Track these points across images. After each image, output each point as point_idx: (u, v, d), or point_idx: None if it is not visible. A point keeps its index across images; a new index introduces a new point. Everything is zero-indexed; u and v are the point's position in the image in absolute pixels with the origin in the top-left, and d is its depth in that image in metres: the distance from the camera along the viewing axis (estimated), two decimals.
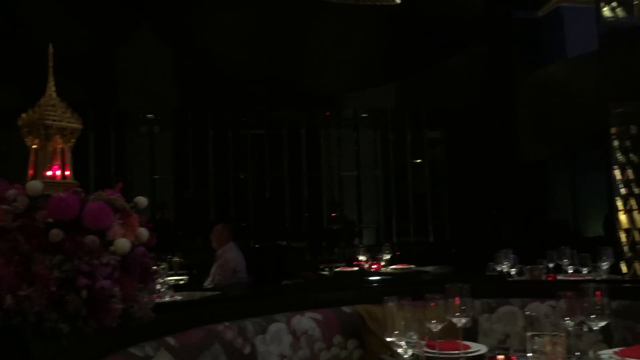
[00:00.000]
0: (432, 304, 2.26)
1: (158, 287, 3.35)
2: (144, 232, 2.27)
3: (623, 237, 7.77)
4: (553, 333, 1.84)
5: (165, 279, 3.77)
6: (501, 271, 4.05)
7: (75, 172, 2.48)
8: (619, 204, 7.84)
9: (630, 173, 7.82)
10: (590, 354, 2.05)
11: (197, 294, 3.96)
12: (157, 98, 9.92)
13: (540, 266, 4.03)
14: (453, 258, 8.83)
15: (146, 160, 10.71)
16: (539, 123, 9.72)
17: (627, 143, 7.94)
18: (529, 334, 1.86)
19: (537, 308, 2.90)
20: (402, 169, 11.41)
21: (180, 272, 6.14)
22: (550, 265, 4.08)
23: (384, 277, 5.40)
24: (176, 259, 6.39)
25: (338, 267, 6.23)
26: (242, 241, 7.42)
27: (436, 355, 2.24)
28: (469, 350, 2.37)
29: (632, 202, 7.74)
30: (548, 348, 1.79)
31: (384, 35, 8.76)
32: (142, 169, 10.68)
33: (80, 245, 2.03)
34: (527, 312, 2.04)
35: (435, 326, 2.24)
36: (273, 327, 2.72)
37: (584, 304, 2.14)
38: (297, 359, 2.76)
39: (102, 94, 9.65)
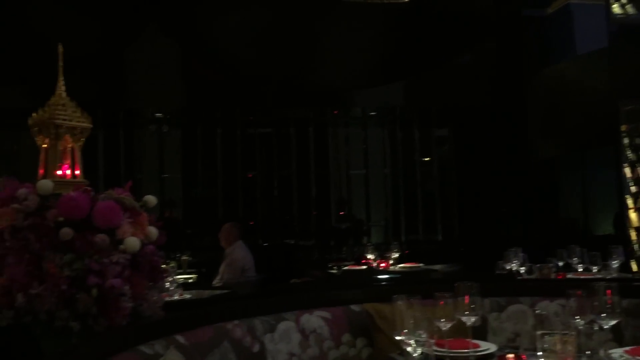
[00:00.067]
0: (442, 302, 2.26)
1: (167, 285, 3.36)
2: (153, 231, 2.28)
3: (633, 235, 7.73)
4: (563, 332, 1.84)
5: (174, 277, 3.78)
6: (510, 270, 4.03)
7: (84, 171, 2.50)
8: (629, 202, 7.79)
9: None
10: (601, 352, 2.04)
11: (206, 293, 3.97)
12: (166, 97, 9.95)
13: (550, 265, 4.01)
14: (462, 256, 8.80)
15: (155, 159, 10.75)
16: (548, 121, 9.66)
17: (637, 141, 7.89)
18: (539, 332, 1.85)
19: (547, 307, 2.89)
20: (410, 167, 11.39)
21: (189, 270, 6.16)
22: (560, 263, 4.06)
23: (392, 275, 5.39)
24: (185, 257, 6.42)
25: (346, 265, 6.22)
26: (250, 240, 7.43)
27: (445, 354, 2.24)
28: (479, 349, 2.37)
29: None
30: (558, 347, 1.78)
31: (392, 33, 8.74)
32: (150, 168, 10.72)
33: (90, 244, 2.04)
34: (537, 311, 2.03)
35: (445, 325, 2.23)
36: (282, 326, 2.73)
37: (594, 302, 2.13)
38: (306, 357, 2.76)
39: (111, 93, 9.69)
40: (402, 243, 9.37)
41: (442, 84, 10.22)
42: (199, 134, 10.87)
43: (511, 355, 2.14)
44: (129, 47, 9.19)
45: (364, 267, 5.86)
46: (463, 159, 10.99)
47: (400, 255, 5.92)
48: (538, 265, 4.01)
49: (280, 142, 11.05)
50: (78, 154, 2.45)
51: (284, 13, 8.19)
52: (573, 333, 1.85)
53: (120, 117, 10.43)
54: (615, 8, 8.11)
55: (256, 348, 2.57)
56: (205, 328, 2.41)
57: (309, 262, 9.15)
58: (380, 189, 11.38)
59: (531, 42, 10.43)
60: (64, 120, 2.38)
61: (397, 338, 2.14)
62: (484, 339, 2.74)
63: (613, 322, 2.12)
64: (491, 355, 2.35)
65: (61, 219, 2.06)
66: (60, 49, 2.49)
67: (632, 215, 7.77)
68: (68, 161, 2.42)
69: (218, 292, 4.17)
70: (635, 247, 7.65)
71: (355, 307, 2.97)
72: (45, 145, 2.41)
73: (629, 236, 7.69)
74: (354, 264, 6.23)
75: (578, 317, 2.10)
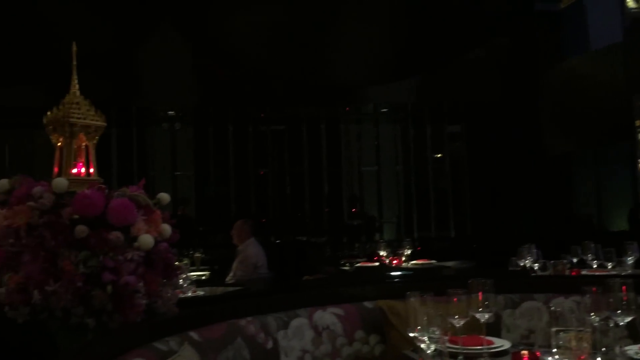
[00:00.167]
0: (455, 299, 2.25)
1: (180, 282, 3.37)
2: (167, 228, 2.29)
3: None
4: (578, 328, 1.82)
5: (187, 274, 3.80)
6: (524, 266, 4.01)
7: (98, 169, 2.51)
8: None
9: None
10: (616, 349, 2.02)
11: (219, 289, 3.98)
12: (178, 95, 10.00)
13: (564, 261, 3.98)
14: (474, 253, 8.77)
15: (168, 156, 10.81)
16: (561, 116, 9.59)
17: None
18: (554, 329, 1.84)
19: (562, 303, 2.87)
20: (422, 164, 11.35)
21: (201, 267, 6.18)
22: (574, 260, 4.03)
23: (405, 272, 5.37)
24: (198, 254, 6.42)
25: (359, 262, 6.21)
26: (262, 237, 7.45)
27: (459, 351, 2.23)
28: (492, 346, 2.35)
29: None
30: (573, 343, 1.77)
31: (404, 29, 8.71)
32: (163, 166, 10.78)
33: (105, 241, 2.06)
34: (552, 308, 2.01)
35: (458, 321, 2.23)
36: (295, 322, 2.73)
37: (609, 299, 2.12)
38: (319, 354, 2.77)
39: (124, 92, 9.74)
40: (414, 240, 9.36)
41: (454, 80, 10.17)
42: (211, 132, 10.91)
43: (525, 352, 2.13)
44: (141, 45, 9.23)
45: (377, 263, 5.85)
46: (475, 156, 10.94)
47: (412, 252, 5.91)
48: (552, 261, 3.98)
49: (292, 139, 11.06)
50: (92, 152, 2.46)
51: (295, 10, 8.18)
52: (588, 330, 1.84)
53: (133, 115, 10.49)
54: (630, 2, 8.03)
55: (269, 344, 2.58)
56: (218, 325, 2.42)
57: (321, 259, 9.15)
58: (392, 186, 11.36)
59: (544, 38, 10.35)
60: (78, 118, 2.40)
61: (411, 335, 2.13)
62: (498, 335, 2.72)
63: (628, 319, 2.10)
64: (505, 352, 2.34)
65: (76, 216, 2.08)
66: (74, 47, 2.50)
67: None
68: (82, 159, 2.44)
69: (231, 289, 4.18)
70: None
71: (368, 304, 2.97)
72: (60, 144, 2.43)
73: None
74: (366, 261, 6.22)
75: (593, 313, 2.09)
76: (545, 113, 9.88)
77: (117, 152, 10.37)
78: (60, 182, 2.15)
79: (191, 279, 3.91)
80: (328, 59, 9.08)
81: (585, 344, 1.78)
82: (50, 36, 7.46)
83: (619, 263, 3.90)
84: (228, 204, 10.74)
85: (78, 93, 2.46)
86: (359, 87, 10.83)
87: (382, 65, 9.48)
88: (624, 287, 2.12)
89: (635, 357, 2.11)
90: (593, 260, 4.01)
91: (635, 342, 2.39)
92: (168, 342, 2.08)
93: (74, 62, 2.49)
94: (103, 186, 2.26)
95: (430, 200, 11.26)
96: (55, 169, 2.42)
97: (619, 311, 2.09)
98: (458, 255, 6.82)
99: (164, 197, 2.38)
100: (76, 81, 2.48)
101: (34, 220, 2.07)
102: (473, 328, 2.32)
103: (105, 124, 2.51)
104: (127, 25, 8.52)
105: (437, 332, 2.06)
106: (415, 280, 4.36)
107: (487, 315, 2.27)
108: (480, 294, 2.27)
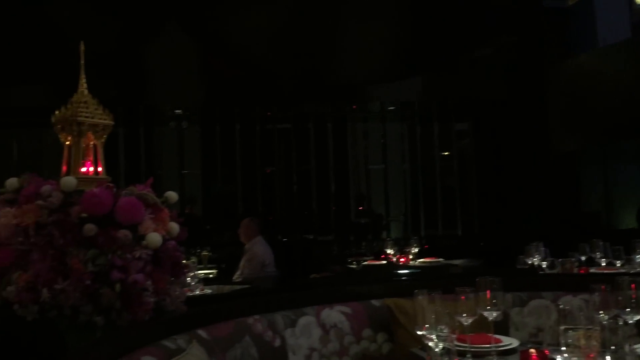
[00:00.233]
0: (463, 297, 2.24)
1: (188, 280, 3.38)
2: (175, 227, 2.30)
3: None
4: (587, 327, 1.81)
5: (195, 272, 3.82)
6: (532, 264, 4.00)
7: (106, 168, 2.52)
8: None
9: None
10: (626, 348, 2.01)
11: (227, 288, 4.00)
12: (185, 94, 10.02)
13: (573, 259, 3.97)
14: (482, 251, 8.74)
15: (175, 155, 10.83)
16: (570, 114, 9.55)
17: None
18: (562, 327, 1.83)
19: (570, 301, 2.86)
20: (429, 162, 11.33)
21: (209, 265, 6.19)
22: (583, 258, 4.02)
23: (412, 270, 5.37)
24: (205, 252, 6.43)
25: (366, 260, 6.21)
26: (269, 235, 7.45)
27: (467, 349, 2.22)
28: (501, 344, 2.35)
29: None
30: (582, 342, 1.76)
31: (410, 26, 8.69)
32: (170, 164, 10.81)
33: (113, 240, 2.07)
34: (561, 306, 2.00)
35: (466, 320, 2.22)
36: (302, 321, 2.73)
37: (618, 297, 2.11)
38: (327, 352, 2.77)
39: (131, 91, 9.77)
40: (422, 238, 9.33)
41: (461, 78, 10.14)
42: (218, 130, 10.93)
43: (534, 351, 2.12)
44: (148, 45, 9.25)
45: (384, 262, 5.85)
46: (483, 153, 10.91)
47: (419, 250, 5.90)
48: (560, 259, 3.97)
49: (298, 138, 11.06)
50: (100, 151, 2.47)
51: (301, 9, 8.18)
52: (597, 328, 1.83)
53: (141, 114, 10.52)
54: None
55: (277, 343, 2.59)
56: (226, 323, 2.42)
57: (328, 257, 9.14)
58: (399, 184, 11.35)
59: (552, 34, 10.30)
60: (86, 117, 2.41)
61: (419, 333, 2.13)
62: (506, 334, 2.71)
63: (638, 317, 2.09)
64: (513, 350, 2.33)
65: (84, 215, 2.09)
66: (82, 47, 2.51)
67: None
68: (90, 158, 2.45)
69: (238, 287, 4.19)
70: None
71: (375, 302, 2.96)
72: (68, 143, 2.43)
73: None
74: (373, 259, 6.22)
75: (602, 312, 2.08)
76: (553, 110, 9.83)
77: (124, 151, 10.40)
78: (68, 181, 2.15)
79: (199, 277, 3.93)
80: (335, 57, 9.07)
81: (594, 342, 1.77)
82: (58, 36, 7.49)
83: (628, 261, 3.88)
84: (235, 203, 10.76)
85: (86, 92, 2.47)
86: (366, 85, 10.82)
87: (388, 63, 9.47)
88: (632, 285, 2.11)
89: None
90: (601, 258, 3.99)
91: None
92: (176, 340, 2.08)
93: (82, 62, 2.50)
94: (111, 185, 2.27)
95: (438, 198, 11.23)
96: (64, 168, 2.43)
97: (628, 309, 2.08)
98: (465, 254, 6.80)
99: (172, 195, 2.38)
100: (84, 80, 2.49)
101: (43, 219, 2.08)
102: (481, 326, 2.32)
103: (113, 122, 2.52)
104: (134, 25, 8.55)
105: (445, 331, 2.05)
106: (422, 279, 4.37)
107: (495, 314, 2.26)
108: (488, 292, 2.26)
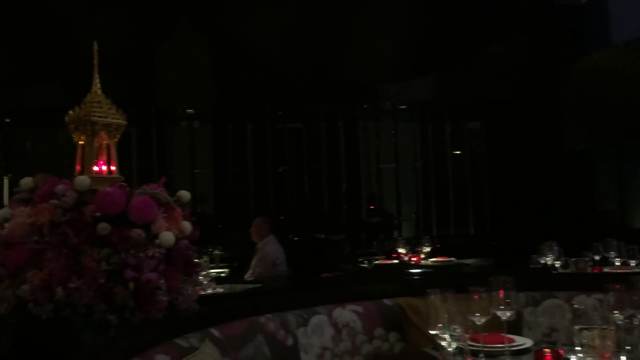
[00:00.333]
0: (476, 296, 2.23)
1: (201, 279, 3.39)
2: (187, 226, 2.31)
3: None
4: (602, 326, 1.80)
5: (207, 271, 3.83)
6: (545, 264, 3.97)
7: (119, 167, 2.54)
8: None
9: None
10: None
11: (239, 287, 4.01)
12: (197, 93, 10.04)
13: (586, 259, 3.94)
14: (494, 250, 8.70)
15: (186, 154, 10.87)
16: (583, 112, 9.47)
17: None
18: (577, 327, 1.82)
19: (584, 301, 2.85)
20: (441, 161, 11.28)
21: (221, 264, 6.21)
22: (597, 257, 3.99)
23: (424, 270, 5.36)
24: (217, 252, 6.46)
25: (377, 259, 6.20)
26: (281, 234, 7.46)
27: (480, 349, 2.22)
28: (514, 344, 2.34)
29: None
30: (597, 342, 1.75)
31: (422, 25, 8.66)
32: (182, 164, 10.85)
33: (126, 239, 2.08)
34: (576, 305, 1.99)
35: (479, 319, 2.21)
36: (314, 320, 2.74)
37: (633, 296, 2.09)
38: (339, 351, 2.77)
39: (143, 90, 9.81)
40: (433, 237, 9.29)
41: (473, 76, 10.08)
42: (230, 130, 10.95)
43: (548, 350, 2.11)
44: (160, 44, 9.29)
45: (395, 261, 5.83)
46: (495, 152, 10.85)
47: (431, 249, 5.88)
48: (574, 259, 3.94)
49: (310, 137, 11.06)
50: (113, 150, 2.49)
51: (312, 7, 8.18)
52: (612, 328, 1.82)
53: (153, 113, 10.56)
54: None
55: (289, 342, 2.59)
56: (239, 322, 2.43)
57: (339, 257, 9.14)
58: (410, 183, 11.31)
59: (565, 32, 10.21)
60: (100, 117, 2.42)
61: (432, 332, 2.13)
62: (519, 333, 2.70)
63: None
64: (527, 350, 2.32)
65: (98, 214, 2.10)
66: (96, 47, 2.53)
67: None
68: (104, 157, 2.46)
69: (250, 286, 4.20)
70: None
71: (387, 301, 2.96)
72: (82, 142, 2.45)
73: None
74: (385, 259, 6.21)
75: (617, 311, 2.06)
76: (567, 109, 9.76)
77: (136, 150, 10.45)
78: (82, 180, 2.17)
79: (211, 276, 3.94)
80: (346, 56, 9.06)
81: (609, 342, 1.76)
82: (71, 36, 7.55)
83: None
84: (246, 202, 10.78)
85: (99, 92, 2.48)
86: (377, 84, 10.78)
87: (400, 61, 9.44)
88: None
89: None
90: (615, 257, 3.96)
91: None
92: (189, 338, 2.09)
93: (95, 61, 2.52)
94: (124, 184, 2.29)
95: (449, 197, 11.19)
96: (78, 167, 2.45)
97: None
98: (477, 253, 6.78)
99: (184, 194, 2.39)
100: (98, 80, 2.50)
101: (57, 218, 2.10)
102: (494, 326, 2.31)
103: (126, 122, 2.53)
104: (146, 25, 8.59)
105: (458, 330, 2.05)
106: (435, 278, 4.35)
107: (508, 313, 2.25)
108: (501, 291, 2.25)
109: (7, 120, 9.91)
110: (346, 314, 2.85)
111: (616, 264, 3.95)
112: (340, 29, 8.57)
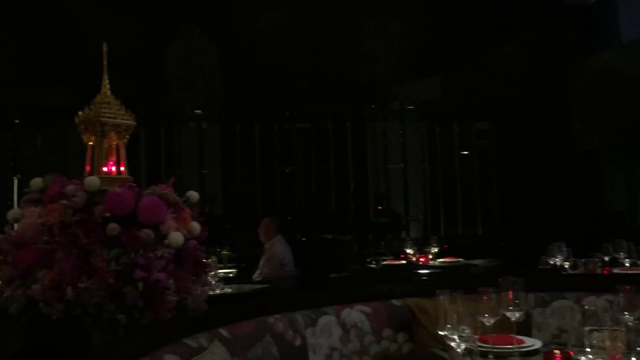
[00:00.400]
0: (485, 297, 2.23)
1: (209, 279, 3.40)
2: (196, 226, 2.31)
3: None
4: (612, 328, 1.79)
5: (216, 271, 3.83)
6: (554, 264, 3.96)
7: (128, 168, 2.54)
8: None
9: None
10: None
11: (246, 287, 4.01)
12: (205, 94, 10.07)
13: (596, 259, 3.92)
14: (502, 251, 8.66)
15: (195, 155, 10.90)
16: (592, 112, 9.42)
17: None
18: (587, 328, 1.81)
19: (593, 302, 2.83)
20: (449, 161, 11.26)
21: (228, 265, 6.22)
22: (606, 258, 3.97)
23: (433, 270, 5.35)
24: (225, 252, 6.47)
25: (385, 260, 6.20)
26: (288, 234, 7.47)
27: (489, 350, 2.21)
28: (523, 345, 2.33)
29: None
30: (607, 343, 1.74)
31: (430, 25, 8.64)
32: (190, 164, 10.88)
33: (136, 239, 2.08)
34: (586, 307, 1.98)
35: (488, 320, 2.21)
36: (323, 320, 2.74)
37: None
38: (347, 351, 2.77)
39: (151, 91, 9.85)
40: (441, 237, 9.27)
41: (481, 77, 10.05)
42: (238, 130, 10.97)
43: (558, 352, 2.10)
44: (168, 45, 9.32)
45: (403, 261, 5.82)
46: (503, 152, 10.81)
47: (439, 250, 5.87)
48: (583, 260, 3.92)
49: (318, 137, 11.06)
50: (123, 151, 2.50)
51: (320, 7, 8.18)
52: (622, 329, 1.81)
53: (161, 114, 10.60)
54: None
55: (298, 342, 2.59)
56: (247, 322, 2.43)
57: (347, 257, 9.14)
58: (418, 183, 11.30)
59: (573, 32, 10.17)
60: (109, 118, 2.43)
61: (441, 333, 2.12)
62: (528, 334, 2.69)
63: None
64: (536, 351, 2.31)
65: (108, 214, 2.11)
66: (105, 48, 2.54)
67: None
68: (113, 158, 2.47)
69: (258, 286, 4.21)
70: None
71: (396, 302, 2.96)
72: (92, 143, 2.46)
73: None
74: (393, 259, 6.20)
75: (627, 312, 2.05)
76: (575, 109, 9.71)
77: (145, 151, 10.49)
78: (92, 181, 2.18)
79: (219, 276, 3.94)
80: (353, 56, 9.05)
81: (619, 344, 1.75)
82: (80, 37, 7.58)
83: None
84: (254, 202, 10.80)
85: (109, 93, 2.49)
86: (385, 85, 10.77)
87: (408, 62, 9.42)
88: None
89: None
90: (625, 258, 3.94)
91: None
92: (198, 338, 2.10)
93: (105, 62, 2.53)
94: (133, 184, 2.29)
95: (457, 197, 11.16)
96: (87, 168, 2.46)
97: None
98: (485, 254, 6.75)
99: (193, 195, 2.40)
100: (107, 81, 2.51)
101: (67, 218, 2.11)
102: (503, 327, 2.30)
103: (135, 123, 2.54)
104: (154, 25, 8.62)
105: (467, 331, 2.04)
106: (443, 278, 4.34)
107: (517, 314, 2.25)
108: (510, 292, 2.25)
109: (17, 120, 9.97)
110: (354, 314, 2.84)
111: (626, 264, 3.93)
112: (348, 29, 8.57)
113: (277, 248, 5.95)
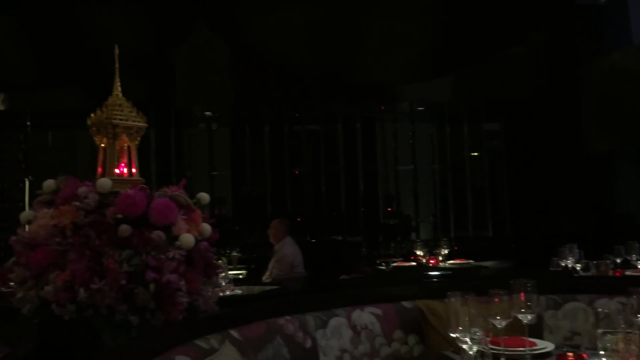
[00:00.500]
0: (497, 299, 2.22)
1: (220, 281, 3.41)
2: (207, 228, 2.32)
3: None
4: (626, 330, 1.78)
5: (226, 273, 3.85)
6: (566, 266, 3.94)
7: (139, 169, 2.56)
8: None
9: None
10: None
11: (256, 288, 4.02)
12: (215, 96, 10.10)
13: (608, 261, 3.89)
14: (513, 253, 8.62)
15: (204, 156, 10.93)
16: (603, 113, 9.36)
17: None
18: (600, 331, 1.80)
19: (606, 304, 2.80)
20: (459, 162, 11.22)
21: (238, 266, 6.24)
22: (618, 260, 3.95)
23: (442, 272, 5.33)
24: (235, 253, 6.49)
25: (395, 261, 6.19)
26: (298, 236, 7.47)
27: (501, 352, 2.20)
28: (535, 347, 2.32)
29: None
30: (621, 346, 1.73)
31: (439, 26, 8.62)
32: (200, 166, 10.90)
33: (147, 241, 2.10)
34: (599, 309, 1.97)
35: (500, 322, 2.19)
36: (333, 322, 2.73)
37: None
38: (358, 353, 2.76)
39: (161, 93, 9.89)
40: (451, 239, 9.25)
41: (491, 77, 10.01)
42: (247, 132, 10.99)
43: (571, 354, 2.09)
44: (178, 47, 9.36)
45: (413, 263, 5.81)
46: (514, 153, 10.76)
47: (449, 251, 5.85)
48: (595, 262, 3.90)
49: (327, 138, 11.05)
50: (134, 153, 2.51)
51: (329, 8, 8.18)
52: (636, 332, 1.80)
53: (171, 116, 10.64)
54: None
55: (308, 344, 2.59)
56: (258, 323, 2.43)
57: (357, 258, 9.13)
58: (428, 185, 11.26)
59: (584, 32, 10.11)
60: (121, 120, 2.45)
61: (452, 335, 2.11)
62: (540, 337, 2.68)
63: None
64: (549, 353, 2.30)
65: (119, 216, 2.12)
66: (117, 50, 2.56)
67: None
68: (125, 160, 2.48)
69: (268, 288, 4.21)
70: None
71: (406, 304, 2.95)
72: (103, 145, 2.48)
73: None
74: (403, 261, 6.19)
75: None
76: (586, 110, 9.65)
77: (155, 152, 10.53)
78: (104, 183, 2.19)
79: (229, 277, 3.96)
80: (363, 57, 9.04)
81: (633, 346, 1.73)
82: (91, 39, 7.63)
83: None
84: (264, 204, 10.80)
85: (120, 95, 2.51)
86: (395, 86, 10.76)
87: (417, 63, 9.40)
88: None
89: None
90: (637, 260, 3.91)
91: None
92: (209, 340, 2.10)
93: (117, 65, 2.54)
94: (145, 186, 2.30)
95: (468, 199, 11.11)
96: (99, 170, 2.47)
97: None
98: (496, 255, 6.72)
99: (204, 197, 2.41)
100: (119, 83, 2.53)
101: (80, 220, 2.12)
102: (515, 329, 2.29)
103: (146, 125, 2.55)
104: (164, 28, 8.66)
105: (478, 333, 2.03)
106: (454, 280, 4.33)
107: (529, 316, 2.23)
108: (522, 294, 2.23)
109: (28, 122, 10.04)
110: (365, 316, 2.84)
111: (638, 266, 3.90)
112: (358, 30, 8.56)
113: (286, 249, 5.96)
